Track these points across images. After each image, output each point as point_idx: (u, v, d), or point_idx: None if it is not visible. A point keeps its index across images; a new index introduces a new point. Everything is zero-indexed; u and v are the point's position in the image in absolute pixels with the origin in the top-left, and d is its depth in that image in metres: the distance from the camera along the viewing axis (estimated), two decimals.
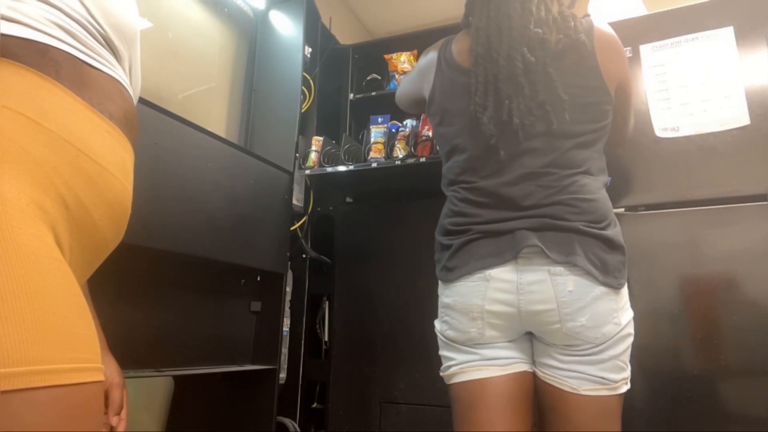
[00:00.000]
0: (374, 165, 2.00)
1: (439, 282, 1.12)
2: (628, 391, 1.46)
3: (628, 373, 1.03)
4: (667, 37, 1.63)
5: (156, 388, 1.75)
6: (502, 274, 1.01)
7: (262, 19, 2.29)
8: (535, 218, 1.00)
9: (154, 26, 1.84)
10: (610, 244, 0.99)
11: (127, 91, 0.70)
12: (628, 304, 1.05)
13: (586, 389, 0.98)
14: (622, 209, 1.58)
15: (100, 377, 0.52)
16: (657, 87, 1.61)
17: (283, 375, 1.93)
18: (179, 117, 1.43)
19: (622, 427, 1.44)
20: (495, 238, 1.02)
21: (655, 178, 1.55)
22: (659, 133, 1.57)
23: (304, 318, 2.09)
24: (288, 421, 1.94)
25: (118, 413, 0.76)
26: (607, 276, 0.97)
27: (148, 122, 1.33)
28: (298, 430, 1.96)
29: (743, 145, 1.47)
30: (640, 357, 1.46)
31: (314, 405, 2.08)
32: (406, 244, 1.99)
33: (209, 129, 1.55)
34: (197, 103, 2.04)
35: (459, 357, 1.07)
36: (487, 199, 1.05)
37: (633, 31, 1.69)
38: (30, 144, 0.53)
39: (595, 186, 1.04)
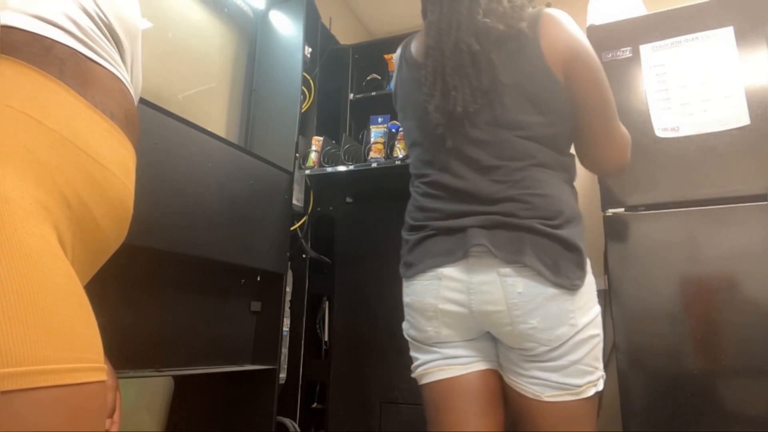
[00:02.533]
0: (374, 165, 2.00)
1: (402, 281, 1.11)
2: (629, 390, 1.47)
3: (596, 376, 0.96)
4: (667, 37, 1.63)
5: (156, 388, 1.75)
6: (454, 273, 0.99)
7: (262, 19, 2.29)
8: (487, 215, 0.97)
9: (154, 26, 1.84)
10: (564, 244, 0.94)
11: (129, 90, 0.70)
12: (591, 303, 0.98)
13: (549, 396, 0.94)
14: (622, 209, 1.58)
15: (103, 377, 0.52)
16: (657, 87, 1.61)
17: (283, 375, 1.93)
18: (179, 117, 1.43)
19: (622, 427, 1.45)
20: (449, 236, 1.00)
21: (655, 178, 1.56)
22: (659, 133, 1.57)
23: (304, 318, 2.09)
24: (288, 421, 1.94)
25: (111, 416, 0.76)
26: (559, 276, 0.93)
27: (148, 122, 1.32)
28: (298, 430, 1.96)
29: (743, 145, 1.47)
30: (640, 357, 1.46)
31: (314, 405, 2.08)
32: None
33: (209, 129, 1.55)
34: (197, 103, 2.04)
35: (423, 357, 1.06)
36: (442, 193, 1.03)
37: (633, 31, 1.69)
38: (33, 143, 0.53)
39: (552, 181, 0.99)
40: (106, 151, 0.61)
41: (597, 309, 1.00)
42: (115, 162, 0.62)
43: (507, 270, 0.94)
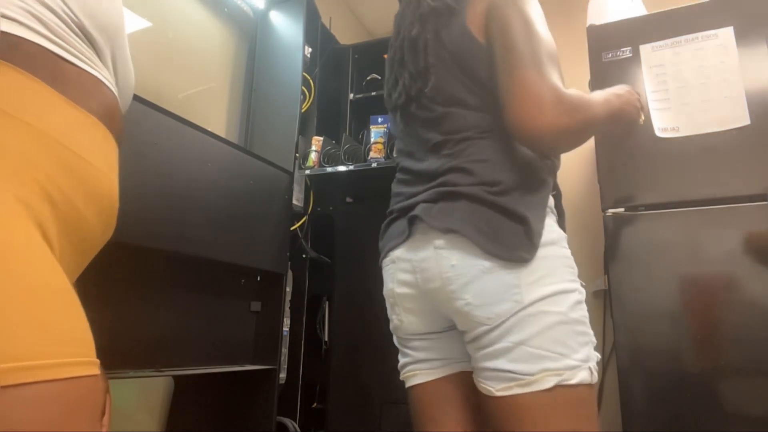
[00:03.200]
0: (374, 165, 2.00)
1: None
2: (629, 390, 1.47)
3: (559, 364, 0.78)
4: (667, 37, 1.63)
5: (156, 388, 1.75)
6: (403, 254, 0.94)
7: (262, 19, 2.29)
8: (434, 188, 0.91)
9: (154, 26, 1.84)
10: (505, 212, 0.84)
11: (109, 88, 0.67)
12: (551, 279, 0.83)
13: (499, 390, 0.80)
14: (622, 209, 1.58)
15: (95, 371, 0.52)
16: (657, 87, 1.61)
17: (283, 375, 1.93)
18: (179, 117, 1.43)
19: (622, 428, 1.45)
20: (404, 217, 0.96)
21: (655, 178, 1.55)
22: (659, 133, 1.57)
23: (304, 318, 2.09)
24: (288, 421, 1.94)
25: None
26: (497, 245, 0.82)
27: (148, 122, 1.32)
28: (298, 430, 1.96)
29: (743, 145, 1.47)
30: (640, 357, 1.46)
31: (314, 405, 2.08)
32: None
33: (209, 129, 1.55)
34: (197, 103, 2.04)
35: (401, 359, 1.03)
36: (407, 176, 1.01)
37: (633, 31, 1.69)
38: (10, 139, 0.51)
39: (499, 147, 0.90)
40: (88, 144, 0.59)
41: (561, 287, 0.83)
42: (97, 155, 0.61)
43: (441, 242, 0.87)
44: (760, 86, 1.50)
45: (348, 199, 2.28)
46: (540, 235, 0.85)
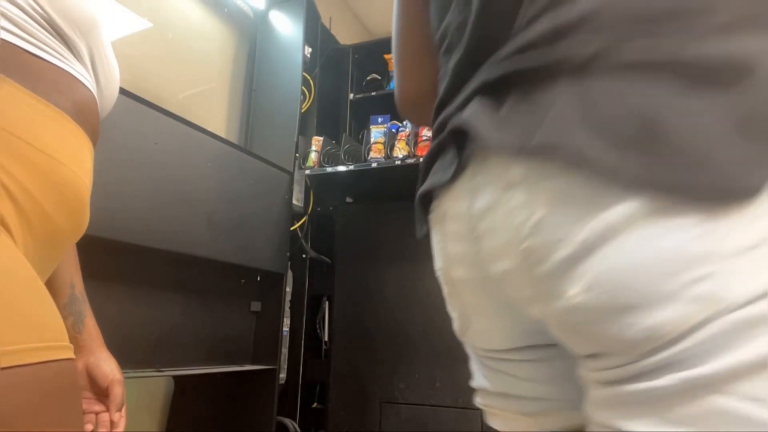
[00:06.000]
0: (374, 165, 2.00)
1: None
2: None
3: None
4: None
5: (156, 388, 1.75)
6: (454, 203, 0.61)
7: (262, 19, 2.29)
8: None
9: (154, 26, 1.84)
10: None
11: (83, 84, 0.65)
12: None
13: None
14: None
15: (70, 354, 0.51)
16: None
17: (283, 375, 1.93)
18: (179, 117, 1.43)
19: None
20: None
21: None
22: None
23: (304, 318, 2.09)
24: (288, 421, 1.94)
25: (119, 410, 0.75)
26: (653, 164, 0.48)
27: (148, 122, 1.33)
28: (298, 430, 1.96)
29: None
30: None
31: (314, 405, 2.08)
32: (407, 244, 1.99)
33: (209, 129, 1.56)
34: (197, 103, 2.04)
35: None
36: None
37: None
38: None
39: None
40: (51, 139, 0.57)
41: None
42: (62, 151, 0.58)
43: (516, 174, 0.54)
44: None
45: (348, 199, 2.28)
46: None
